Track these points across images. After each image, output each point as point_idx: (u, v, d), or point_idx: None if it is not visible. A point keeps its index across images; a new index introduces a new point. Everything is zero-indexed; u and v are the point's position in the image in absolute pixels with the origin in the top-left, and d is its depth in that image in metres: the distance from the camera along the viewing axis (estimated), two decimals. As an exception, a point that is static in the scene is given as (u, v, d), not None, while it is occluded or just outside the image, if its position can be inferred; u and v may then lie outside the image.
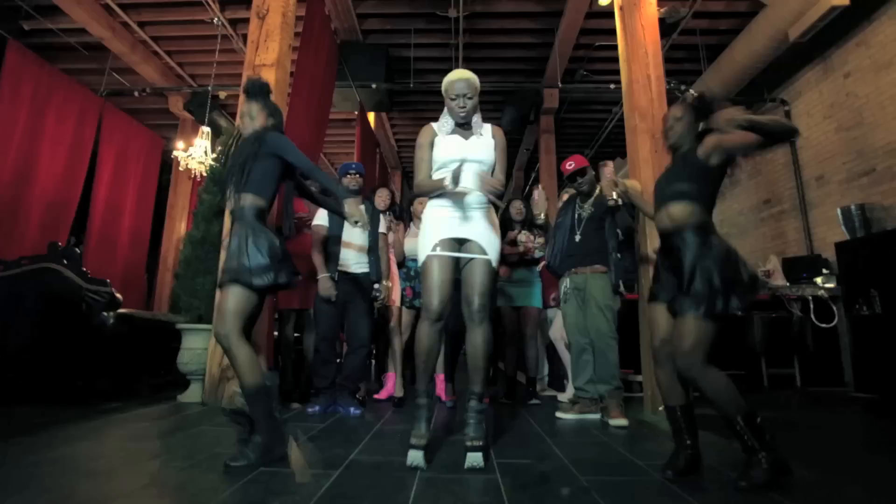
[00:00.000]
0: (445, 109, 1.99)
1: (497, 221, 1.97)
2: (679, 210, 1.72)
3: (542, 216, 3.29)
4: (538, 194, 3.30)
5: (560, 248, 2.87)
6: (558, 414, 2.72)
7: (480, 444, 1.72)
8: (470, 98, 1.91)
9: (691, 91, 5.46)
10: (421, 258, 1.92)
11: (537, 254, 3.45)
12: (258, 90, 2.01)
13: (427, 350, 1.86)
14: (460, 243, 1.90)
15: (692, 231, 1.69)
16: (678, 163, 1.84)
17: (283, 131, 2.05)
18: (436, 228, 1.91)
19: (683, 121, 1.82)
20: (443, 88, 1.96)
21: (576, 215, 2.85)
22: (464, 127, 1.97)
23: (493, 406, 3.02)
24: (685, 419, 1.70)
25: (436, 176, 1.95)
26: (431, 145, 1.98)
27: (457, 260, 1.90)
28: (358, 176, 3.00)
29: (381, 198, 3.36)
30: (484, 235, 1.89)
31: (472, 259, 1.88)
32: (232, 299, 1.75)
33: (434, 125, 2.02)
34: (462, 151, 1.92)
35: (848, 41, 4.58)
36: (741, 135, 1.62)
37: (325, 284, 2.79)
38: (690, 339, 1.57)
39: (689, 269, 1.64)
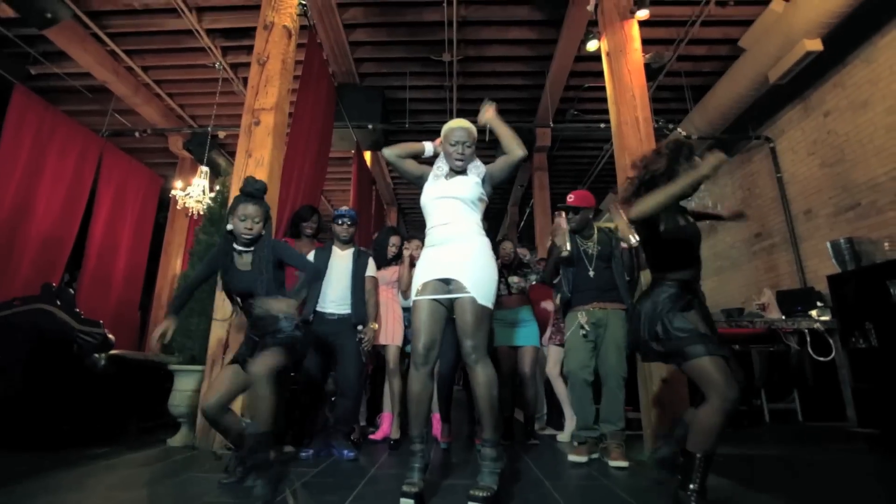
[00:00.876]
0: (441, 156, 2.06)
1: (489, 255, 1.96)
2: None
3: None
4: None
5: (570, 280, 2.82)
6: (571, 458, 2.59)
7: (485, 495, 1.63)
8: (469, 147, 1.99)
9: (679, 130, 5.65)
10: (411, 303, 1.95)
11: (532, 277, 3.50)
12: (260, 193, 2.16)
13: (418, 395, 1.85)
14: (447, 283, 1.89)
15: None
16: (688, 218, 1.98)
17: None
18: (422, 271, 1.95)
19: None
20: (442, 134, 2.04)
21: (581, 249, 2.83)
22: (458, 173, 2.03)
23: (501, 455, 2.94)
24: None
25: (427, 222, 2.03)
26: (419, 168, 2.12)
27: (451, 300, 1.90)
28: (348, 224, 3.05)
29: (394, 247, 3.47)
30: (468, 273, 1.87)
31: (456, 299, 1.87)
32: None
33: (432, 170, 2.09)
34: (439, 191, 2.00)
35: (825, 82, 4.79)
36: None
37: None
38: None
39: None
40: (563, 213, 2.83)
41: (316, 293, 2.90)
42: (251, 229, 2.07)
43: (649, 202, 1.75)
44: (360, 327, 2.89)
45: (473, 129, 2.02)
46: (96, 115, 5.99)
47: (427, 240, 2.03)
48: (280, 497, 1.82)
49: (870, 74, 4.30)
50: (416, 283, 1.93)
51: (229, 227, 2.12)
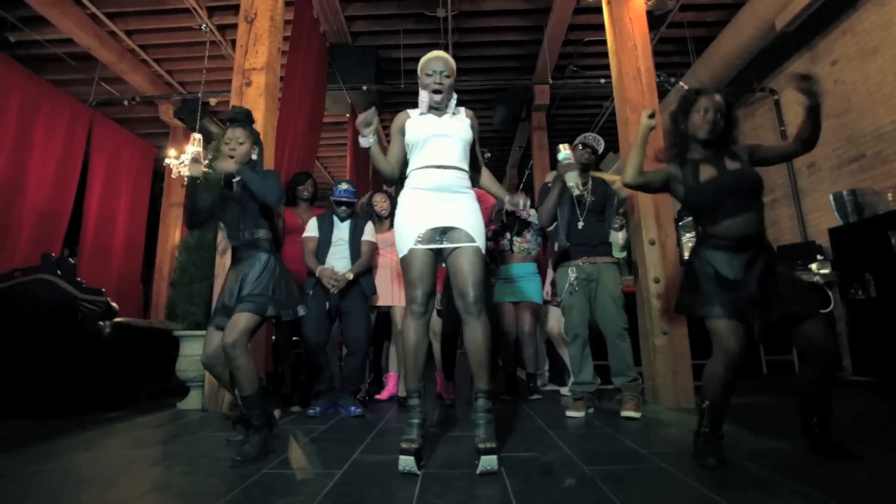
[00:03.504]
0: (420, 97, 1.93)
1: (478, 206, 1.90)
2: (761, 217, 1.73)
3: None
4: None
5: (566, 227, 2.74)
6: (569, 413, 2.60)
7: (493, 445, 1.62)
8: (447, 76, 1.87)
9: (681, 83, 5.50)
10: (401, 251, 1.82)
11: (530, 218, 3.41)
12: (244, 117, 2.08)
13: (415, 347, 1.78)
14: (443, 232, 1.80)
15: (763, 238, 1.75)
16: (736, 164, 1.76)
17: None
18: (415, 217, 1.81)
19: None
20: (418, 68, 1.93)
21: (575, 198, 2.74)
22: (438, 110, 1.93)
23: (494, 403, 3.01)
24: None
25: (416, 161, 1.90)
26: (402, 132, 1.94)
27: (441, 250, 1.83)
28: (345, 208, 3.02)
29: (380, 204, 3.39)
30: (469, 221, 1.81)
31: (457, 248, 1.79)
32: (248, 321, 1.89)
33: (409, 111, 1.98)
34: (434, 128, 1.87)
35: (834, 29, 4.62)
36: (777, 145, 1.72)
37: (326, 273, 2.80)
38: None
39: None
40: (571, 147, 2.55)
41: (321, 262, 2.91)
42: (235, 150, 2.00)
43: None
44: (321, 269, 2.85)
45: (451, 59, 1.90)
46: (82, 84, 5.81)
47: (415, 180, 1.87)
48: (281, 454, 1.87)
49: (881, 18, 4.13)
50: (411, 231, 1.81)
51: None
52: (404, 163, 1.97)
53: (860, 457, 1.60)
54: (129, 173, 6.35)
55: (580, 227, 2.73)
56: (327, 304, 2.83)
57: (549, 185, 2.86)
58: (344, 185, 3.06)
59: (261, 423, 1.84)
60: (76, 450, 2.01)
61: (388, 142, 2.04)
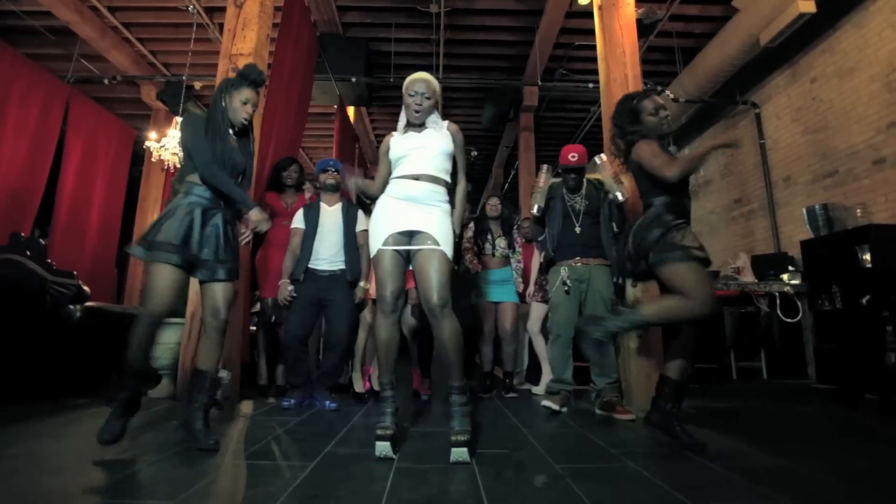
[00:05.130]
0: (401, 116, 2.04)
1: (451, 218, 1.95)
2: None
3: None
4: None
5: (555, 238, 2.82)
6: (545, 403, 2.66)
7: (465, 438, 1.69)
8: (427, 98, 1.94)
9: (667, 92, 5.60)
10: (372, 252, 1.94)
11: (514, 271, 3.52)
12: (262, 82, 2.05)
13: (386, 342, 1.89)
14: (410, 235, 1.89)
15: None
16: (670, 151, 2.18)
17: None
18: (385, 221, 1.91)
19: None
20: (403, 87, 1.99)
21: (568, 206, 2.82)
22: (419, 127, 1.99)
23: (469, 398, 3.03)
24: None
25: (395, 172, 1.97)
26: (388, 152, 2.03)
27: (408, 253, 1.91)
28: (335, 172, 3.00)
29: None
30: (435, 225, 1.87)
31: (420, 250, 1.85)
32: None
33: (394, 132, 2.07)
34: (413, 143, 1.96)
35: (815, 47, 4.76)
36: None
37: (283, 291, 2.80)
38: None
39: None
40: (546, 170, 2.82)
41: (308, 251, 2.88)
42: (251, 114, 1.99)
43: (679, 169, 1.92)
44: (361, 283, 2.94)
45: (435, 82, 1.97)
46: (61, 59, 5.62)
47: (391, 188, 1.97)
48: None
49: (859, 40, 4.28)
50: (381, 233, 1.90)
51: (223, 104, 1.96)
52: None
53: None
54: (107, 154, 6.17)
55: (577, 231, 2.77)
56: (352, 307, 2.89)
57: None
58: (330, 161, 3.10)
59: (209, 403, 1.90)
60: (42, 436, 1.96)
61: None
